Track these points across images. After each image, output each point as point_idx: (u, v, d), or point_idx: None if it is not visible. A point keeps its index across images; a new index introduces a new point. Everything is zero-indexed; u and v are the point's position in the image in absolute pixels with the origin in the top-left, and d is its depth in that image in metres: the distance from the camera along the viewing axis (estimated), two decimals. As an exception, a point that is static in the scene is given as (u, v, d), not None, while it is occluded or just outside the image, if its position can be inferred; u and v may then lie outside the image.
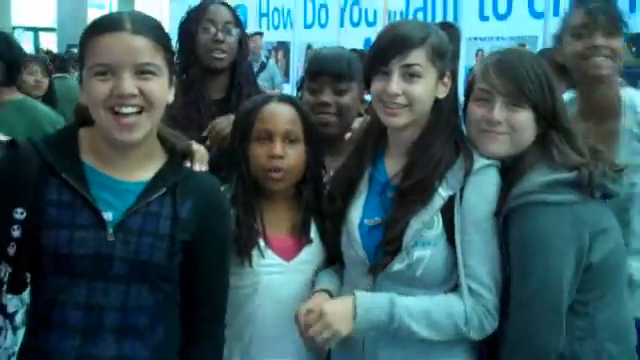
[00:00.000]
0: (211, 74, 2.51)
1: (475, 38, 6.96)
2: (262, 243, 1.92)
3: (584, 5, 2.33)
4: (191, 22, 2.53)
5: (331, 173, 2.06)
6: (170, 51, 1.64)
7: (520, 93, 1.79)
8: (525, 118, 1.80)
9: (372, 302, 1.76)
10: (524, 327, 1.74)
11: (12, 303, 1.59)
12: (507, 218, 1.75)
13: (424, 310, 1.76)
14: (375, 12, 8.24)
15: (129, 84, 1.52)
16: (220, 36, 2.48)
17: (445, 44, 1.85)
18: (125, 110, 1.53)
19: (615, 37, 2.29)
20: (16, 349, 1.59)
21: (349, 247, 1.88)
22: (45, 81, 4.55)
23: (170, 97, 1.63)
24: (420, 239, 1.77)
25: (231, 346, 1.85)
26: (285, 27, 9.75)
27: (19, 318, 1.60)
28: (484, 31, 6.90)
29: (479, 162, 1.80)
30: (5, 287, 1.57)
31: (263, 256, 1.91)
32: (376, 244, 1.81)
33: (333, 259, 1.99)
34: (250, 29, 10.40)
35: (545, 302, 1.72)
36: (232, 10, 2.61)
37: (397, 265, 1.77)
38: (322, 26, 9.02)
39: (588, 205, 1.75)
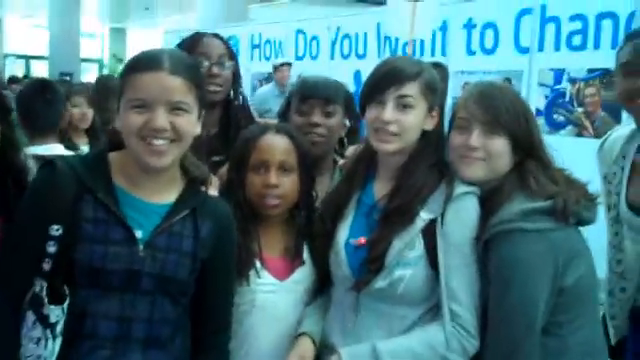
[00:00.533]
0: (205, 108, 2.52)
1: (462, 72, 7.11)
2: (258, 264, 2.03)
3: (632, 39, 2.25)
4: None
5: (317, 190, 2.17)
6: (201, 88, 1.76)
7: (496, 122, 1.90)
8: (501, 146, 1.91)
9: (356, 354, 1.86)
10: (501, 346, 1.83)
11: (54, 313, 1.68)
12: (487, 244, 1.85)
13: (407, 349, 1.85)
14: (365, 46, 8.42)
15: (162, 120, 1.65)
16: (215, 70, 2.47)
17: (436, 81, 2.00)
18: (157, 142, 1.66)
19: None
20: (54, 359, 1.68)
21: (336, 265, 2.00)
22: (90, 112, 4.17)
23: (198, 129, 1.76)
24: (402, 259, 1.88)
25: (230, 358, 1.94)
26: (277, 58, 9.90)
27: (59, 328, 1.69)
28: (471, 65, 7.05)
29: (459, 189, 1.92)
30: (47, 299, 1.66)
31: (259, 276, 2.02)
32: (360, 263, 1.93)
33: (323, 279, 2.09)
34: (242, 60, 10.57)
35: (521, 322, 1.81)
36: (225, 42, 2.60)
37: (379, 283, 1.89)
38: (313, 58, 9.17)
39: (563, 232, 1.85)
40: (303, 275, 2.08)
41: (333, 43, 8.84)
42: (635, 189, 2.20)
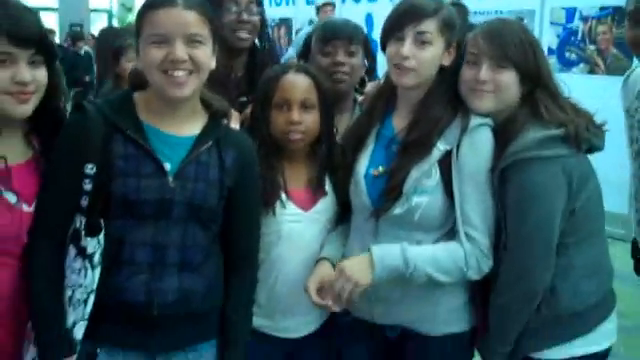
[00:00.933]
0: (233, 53, 2.56)
1: (475, 12, 7.11)
2: (284, 196, 2.15)
3: None
4: (213, 2, 2.48)
5: (339, 127, 2.28)
6: (214, 23, 1.85)
7: (504, 56, 2.00)
8: (508, 78, 2.01)
9: (386, 251, 1.99)
10: (520, 264, 1.96)
11: (91, 245, 1.79)
12: (504, 172, 1.96)
13: (432, 256, 1.99)
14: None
15: (181, 51, 1.75)
16: (244, 16, 2.52)
17: (454, 18, 2.08)
18: (177, 73, 1.76)
19: None
20: (94, 286, 1.79)
21: (355, 194, 2.12)
22: None
23: (213, 63, 1.86)
24: (419, 187, 2.00)
25: (259, 286, 2.07)
26: (287, 3, 9.89)
27: (97, 258, 1.79)
28: (483, 5, 7.05)
29: (474, 121, 2.02)
30: (84, 232, 1.78)
31: (284, 207, 2.14)
32: (379, 192, 2.05)
33: (344, 209, 2.21)
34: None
35: (540, 241, 1.95)
36: None
37: (397, 210, 2.01)
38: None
39: (575, 158, 1.97)
40: (326, 205, 2.20)
41: (343, -13, 8.85)
42: None
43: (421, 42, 2.01)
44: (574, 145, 1.96)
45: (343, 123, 2.32)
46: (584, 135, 1.96)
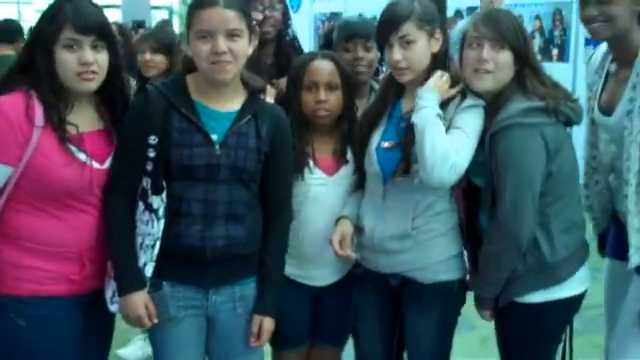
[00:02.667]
0: (261, 43, 2.91)
1: (514, 4, 7.37)
2: (311, 162, 2.56)
3: None
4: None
5: (358, 111, 2.67)
6: (250, 18, 2.26)
7: (502, 37, 2.32)
8: (506, 57, 2.32)
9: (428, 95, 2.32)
10: (509, 215, 2.27)
11: (156, 201, 2.20)
12: (492, 138, 2.29)
13: (435, 131, 2.25)
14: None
15: (223, 45, 2.16)
16: (267, 12, 3.02)
17: (429, 9, 2.41)
18: (220, 63, 2.17)
19: None
20: (160, 235, 2.20)
21: (368, 164, 2.50)
22: (157, 58, 3.95)
23: (250, 50, 2.26)
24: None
25: (290, 240, 2.47)
26: (335, -1, 10.17)
27: (161, 212, 2.19)
28: (522, -1, 7.32)
29: (468, 102, 2.37)
30: (150, 191, 2.22)
31: (312, 172, 2.56)
32: (387, 162, 2.43)
33: (361, 177, 2.59)
34: (305, 0, 10.94)
35: (524, 195, 2.26)
36: None
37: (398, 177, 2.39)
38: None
39: (553, 126, 2.31)
40: (347, 172, 2.60)
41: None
42: (607, 94, 2.53)
43: (406, 43, 2.35)
44: (552, 115, 2.30)
45: (362, 106, 2.70)
46: (561, 108, 2.31)
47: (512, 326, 2.46)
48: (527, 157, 2.27)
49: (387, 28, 2.38)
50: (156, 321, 2.26)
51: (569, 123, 2.39)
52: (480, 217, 2.45)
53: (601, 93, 2.52)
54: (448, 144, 2.24)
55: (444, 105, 2.37)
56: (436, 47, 2.42)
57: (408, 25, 2.35)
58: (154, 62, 3.95)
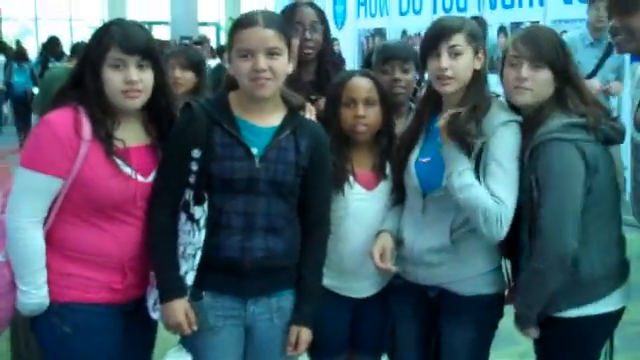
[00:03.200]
0: (302, 62, 3.05)
1: (560, 20, 7.34)
2: (351, 178, 2.60)
3: None
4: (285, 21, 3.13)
5: (396, 129, 2.70)
6: (288, 37, 2.32)
7: (540, 57, 2.33)
8: (544, 75, 2.34)
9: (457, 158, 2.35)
10: (551, 234, 2.25)
11: (198, 212, 2.26)
12: (533, 152, 2.30)
13: (469, 190, 2.30)
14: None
15: (263, 63, 2.22)
16: (307, 35, 3.05)
17: (477, 30, 2.48)
18: (260, 80, 2.23)
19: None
20: (201, 244, 2.25)
21: (408, 178, 2.54)
22: (186, 75, 3.95)
23: (289, 68, 2.32)
24: None
25: (330, 252, 2.50)
26: (382, 14, 10.26)
27: (202, 223, 2.25)
28: (568, 13, 7.25)
29: (503, 117, 2.38)
30: (192, 202, 2.28)
31: (352, 187, 2.59)
32: (426, 176, 2.47)
33: (401, 193, 2.62)
34: (349, 17, 11.07)
35: (567, 211, 2.25)
36: (317, 8, 3.20)
37: (440, 192, 2.43)
38: (416, 12, 9.51)
39: (592, 143, 2.31)
40: (387, 186, 2.63)
41: (435, -2, 9.20)
42: None
43: (454, 54, 2.40)
44: (592, 133, 2.30)
45: (400, 126, 2.73)
46: (601, 125, 2.31)
47: (551, 341, 2.44)
48: (568, 171, 2.27)
49: (438, 37, 2.43)
50: (195, 328, 2.32)
51: (609, 141, 2.38)
52: (521, 231, 2.43)
53: (637, 109, 2.49)
54: (486, 200, 2.29)
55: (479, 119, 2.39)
56: (478, 65, 2.46)
57: (459, 36, 2.41)
58: (184, 79, 3.95)
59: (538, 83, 2.36)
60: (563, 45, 2.42)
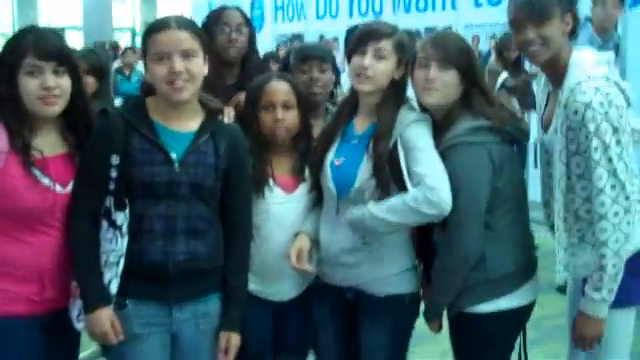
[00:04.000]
0: (226, 65, 3.13)
1: (471, 25, 7.56)
2: (271, 181, 2.63)
3: None
4: (210, 24, 3.15)
5: (314, 130, 2.76)
6: (203, 37, 2.34)
7: (447, 59, 2.42)
8: (452, 77, 2.42)
9: (354, 215, 2.46)
10: (456, 231, 2.37)
11: (119, 217, 2.25)
12: (442, 155, 2.38)
13: (387, 206, 2.39)
14: (381, 3, 8.87)
15: (179, 65, 2.23)
16: (233, 36, 3.10)
17: (406, 42, 2.57)
18: (177, 83, 2.24)
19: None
20: (124, 251, 2.25)
21: (324, 180, 2.59)
22: (87, 81, 3.67)
23: (205, 70, 2.34)
24: None
25: (252, 256, 2.53)
26: (299, 19, 10.31)
27: (124, 229, 2.25)
28: (479, 18, 7.48)
29: (413, 115, 2.49)
30: (113, 208, 2.26)
31: (272, 191, 2.62)
32: (340, 178, 2.53)
33: (320, 193, 2.67)
34: (267, 22, 11.09)
35: (471, 211, 2.37)
36: (242, 13, 3.25)
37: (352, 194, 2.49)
38: (333, 17, 9.60)
39: (498, 145, 2.42)
40: (305, 189, 2.68)
41: (351, 1, 9.31)
42: (547, 113, 2.59)
43: (378, 57, 2.48)
44: (498, 134, 2.41)
45: (317, 127, 2.79)
46: (506, 127, 2.43)
47: (464, 336, 2.54)
48: (472, 174, 2.37)
49: (368, 37, 2.50)
50: (122, 337, 2.30)
51: (514, 142, 2.50)
52: (434, 232, 2.53)
53: (544, 112, 2.61)
54: (403, 202, 2.35)
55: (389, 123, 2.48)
56: (397, 75, 2.54)
57: (387, 42, 2.49)
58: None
59: (445, 84, 2.44)
60: (469, 49, 2.53)
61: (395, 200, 2.40)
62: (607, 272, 2.32)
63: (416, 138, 2.43)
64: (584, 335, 2.44)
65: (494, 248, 2.43)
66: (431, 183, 2.33)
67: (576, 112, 2.29)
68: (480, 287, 2.43)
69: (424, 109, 2.55)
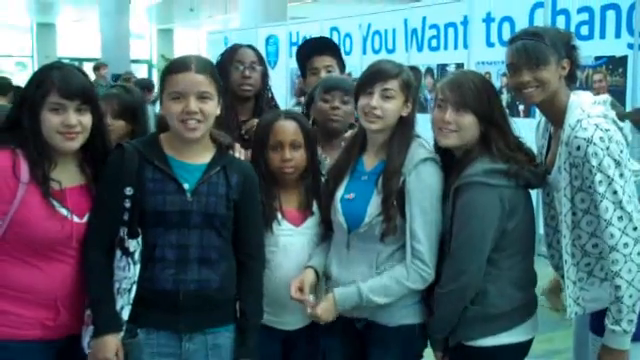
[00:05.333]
0: (240, 101, 3.23)
1: (483, 62, 7.64)
2: (279, 216, 2.70)
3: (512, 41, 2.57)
4: (225, 61, 3.25)
5: (328, 160, 2.84)
6: (219, 82, 2.43)
7: (463, 102, 2.48)
8: (468, 120, 2.48)
9: (345, 294, 2.54)
10: (459, 263, 2.44)
11: (132, 245, 2.32)
12: (457, 191, 2.45)
13: (380, 285, 2.52)
14: (394, 41, 8.99)
15: (194, 105, 2.33)
16: (247, 73, 3.21)
17: (412, 80, 2.64)
18: (190, 122, 2.33)
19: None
20: (136, 278, 2.32)
21: (334, 214, 2.66)
22: (117, 123, 3.15)
23: (218, 111, 2.43)
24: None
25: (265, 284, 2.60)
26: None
27: (137, 256, 2.32)
28: (490, 56, 7.56)
29: (421, 155, 2.54)
30: (126, 237, 2.33)
31: (280, 224, 2.70)
32: (351, 213, 2.60)
33: (328, 227, 2.74)
34: (281, 57, 11.25)
35: (474, 247, 2.42)
36: (256, 51, 3.36)
37: (364, 227, 2.56)
38: (347, 53, 9.74)
39: (512, 189, 2.46)
40: (313, 222, 2.76)
41: (364, 39, 9.44)
42: (550, 155, 2.65)
43: (386, 97, 2.55)
44: (513, 179, 2.45)
45: (335, 156, 2.85)
46: (522, 173, 2.46)
47: None
48: (482, 213, 2.43)
49: (375, 78, 2.58)
50: None
51: (529, 186, 2.54)
52: (443, 262, 2.57)
53: (546, 154, 2.67)
54: (398, 283, 2.51)
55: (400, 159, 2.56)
56: (405, 112, 2.61)
57: (394, 82, 2.57)
58: (114, 126, 3.13)
59: (461, 126, 2.50)
60: (488, 90, 2.56)
61: (390, 282, 2.52)
62: (624, 303, 2.36)
63: (419, 187, 2.51)
64: None
65: (497, 285, 2.48)
66: (426, 259, 2.49)
67: (579, 148, 2.36)
68: (480, 321, 2.48)
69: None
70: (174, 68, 2.39)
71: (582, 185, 2.41)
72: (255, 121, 2.97)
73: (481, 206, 2.43)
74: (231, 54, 3.28)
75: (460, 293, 2.47)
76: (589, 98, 2.51)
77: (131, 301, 2.33)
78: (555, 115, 2.54)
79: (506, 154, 2.49)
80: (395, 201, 2.51)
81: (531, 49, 2.46)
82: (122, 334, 2.35)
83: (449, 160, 2.61)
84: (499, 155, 2.48)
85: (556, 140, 2.56)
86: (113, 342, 2.32)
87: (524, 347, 2.57)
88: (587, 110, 2.41)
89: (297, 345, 2.80)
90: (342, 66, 3.59)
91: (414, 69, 2.76)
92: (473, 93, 2.50)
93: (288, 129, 2.74)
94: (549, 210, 2.67)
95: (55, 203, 2.30)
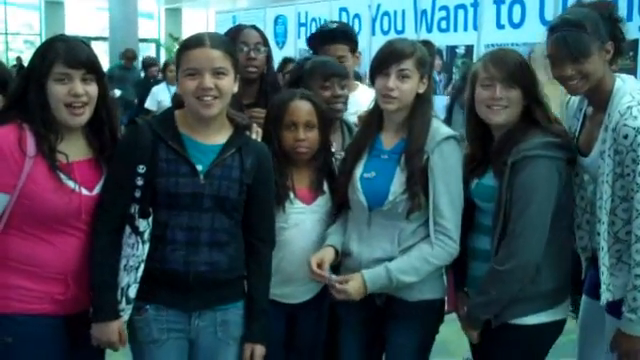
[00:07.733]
0: (244, 83, 3.11)
1: (493, 44, 7.59)
2: (291, 195, 2.71)
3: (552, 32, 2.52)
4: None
5: (331, 140, 2.85)
6: (235, 58, 2.41)
7: (512, 77, 2.49)
8: (516, 94, 2.50)
9: (375, 275, 2.53)
10: (519, 241, 2.42)
11: (142, 225, 2.31)
12: (514, 165, 2.43)
13: (407, 263, 2.52)
14: (403, 22, 8.94)
15: (209, 82, 2.30)
16: (252, 54, 3.17)
17: (426, 56, 2.64)
18: (206, 99, 2.31)
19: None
20: (144, 257, 2.32)
21: (353, 193, 2.65)
22: None
23: (235, 88, 2.40)
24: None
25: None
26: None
27: (146, 236, 2.31)
28: (500, 38, 7.51)
29: (443, 133, 2.55)
30: (137, 215, 2.33)
31: (292, 203, 2.71)
32: (371, 191, 2.60)
33: (340, 206, 2.75)
34: (290, 38, 11.19)
35: (538, 223, 2.42)
36: (260, 32, 3.31)
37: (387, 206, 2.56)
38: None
39: (564, 162, 2.49)
40: (324, 201, 2.77)
41: (374, 20, 9.39)
42: (584, 136, 2.65)
43: (402, 77, 2.55)
44: (567, 151, 2.49)
45: (334, 140, 2.92)
46: (572, 145, 2.52)
47: (505, 347, 2.56)
48: (545, 187, 2.44)
49: (390, 59, 2.57)
50: (127, 345, 2.36)
51: (571, 160, 2.55)
52: (472, 239, 2.61)
53: (578, 135, 2.66)
54: (426, 260, 2.53)
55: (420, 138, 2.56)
56: (422, 89, 2.61)
57: (409, 62, 2.57)
58: None
59: (512, 101, 2.52)
60: (528, 65, 2.57)
61: (417, 260, 2.53)
62: None
63: (442, 164, 2.52)
64: (627, 351, 2.46)
65: (548, 263, 2.48)
66: (451, 232, 2.52)
67: (626, 136, 2.34)
68: (532, 299, 2.48)
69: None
70: (189, 44, 2.37)
71: (623, 172, 2.41)
72: (261, 112, 2.95)
73: (544, 179, 2.44)
74: (235, 35, 3.23)
75: (523, 270, 2.45)
76: (636, 84, 2.50)
77: (138, 279, 2.33)
78: (599, 99, 2.51)
79: (556, 128, 2.52)
80: (419, 180, 2.51)
81: (572, 42, 2.41)
82: (129, 312, 2.36)
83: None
84: (547, 129, 2.50)
85: (594, 123, 2.55)
86: (114, 326, 2.34)
87: (562, 325, 2.59)
88: (637, 97, 2.40)
89: (302, 318, 2.82)
90: (355, 49, 3.55)
91: (427, 43, 2.73)
92: (518, 68, 2.53)
93: (303, 109, 2.74)
94: (578, 190, 2.66)
95: (62, 176, 2.29)
